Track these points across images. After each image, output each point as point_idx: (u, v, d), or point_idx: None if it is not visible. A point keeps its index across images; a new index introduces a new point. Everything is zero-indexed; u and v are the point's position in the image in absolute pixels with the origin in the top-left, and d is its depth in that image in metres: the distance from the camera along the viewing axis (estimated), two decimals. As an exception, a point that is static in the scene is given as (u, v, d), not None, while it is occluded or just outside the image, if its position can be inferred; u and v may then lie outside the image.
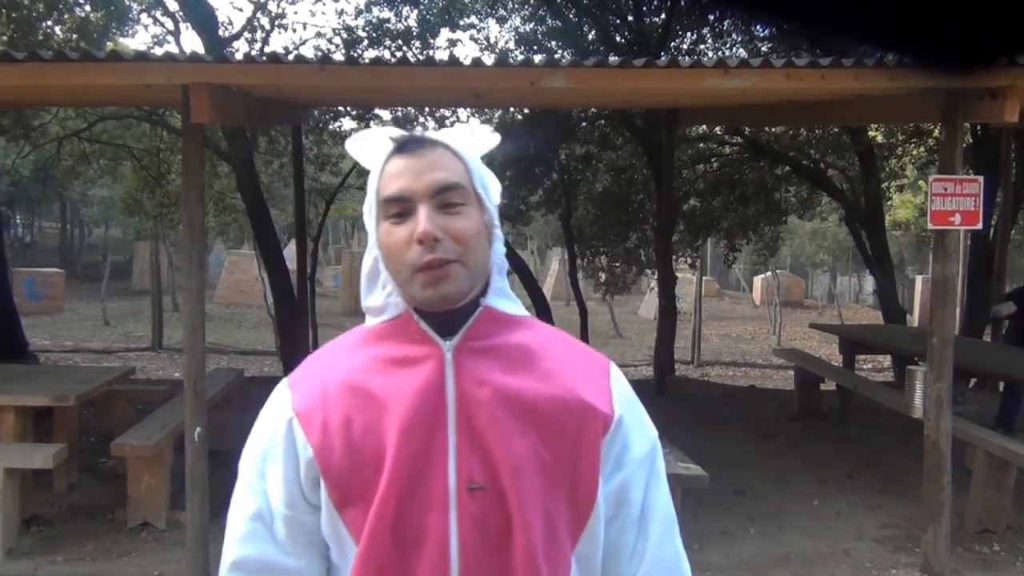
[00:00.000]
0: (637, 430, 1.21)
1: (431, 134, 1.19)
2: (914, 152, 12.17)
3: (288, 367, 10.05)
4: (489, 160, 1.25)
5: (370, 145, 1.21)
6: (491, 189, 1.20)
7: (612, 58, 4.64)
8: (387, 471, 1.10)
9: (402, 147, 1.16)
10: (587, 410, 1.16)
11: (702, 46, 10.60)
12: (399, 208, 1.14)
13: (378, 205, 1.16)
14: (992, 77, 4.08)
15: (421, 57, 9.04)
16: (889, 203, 15.97)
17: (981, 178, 4.68)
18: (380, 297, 1.18)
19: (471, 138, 1.21)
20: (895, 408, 5.75)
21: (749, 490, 5.90)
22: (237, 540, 1.18)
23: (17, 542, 4.72)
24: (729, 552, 4.79)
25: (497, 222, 1.20)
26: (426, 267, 1.10)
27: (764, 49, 10.00)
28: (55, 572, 4.46)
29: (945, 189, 4.54)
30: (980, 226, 4.98)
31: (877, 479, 6.19)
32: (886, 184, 11.97)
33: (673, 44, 10.09)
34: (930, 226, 4.64)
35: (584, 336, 11.18)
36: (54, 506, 5.36)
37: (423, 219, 1.11)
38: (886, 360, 12.17)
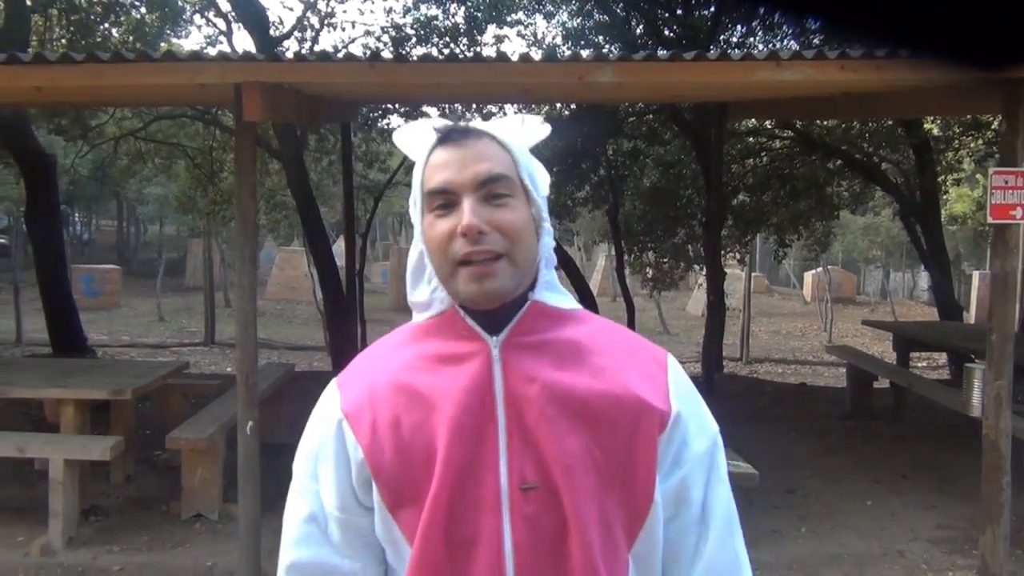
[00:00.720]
0: (696, 426, 1.18)
1: (476, 124, 1.17)
2: (971, 145, 11.85)
3: (337, 362, 10.17)
4: (536, 153, 1.23)
5: (414, 141, 1.18)
6: (539, 180, 1.17)
7: (661, 52, 4.60)
8: (437, 472, 1.08)
9: (446, 137, 1.14)
10: (642, 407, 1.12)
11: (752, 39, 10.45)
12: (443, 200, 1.11)
13: (422, 197, 1.14)
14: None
15: (469, 54, 9.06)
16: (945, 197, 15.60)
17: (1044, 170, 4.54)
18: (426, 292, 1.15)
19: (520, 129, 1.18)
20: (952, 407, 5.62)
21: (800, 489, 5.82)
22: (292, 543, 1.18)
23: (77, 531, 4.85)
24: (780, 551, 4.72)
25: (546, 214, 1.17)
26: (468, 259, 1.08)
27: (816, 42, 9.83)
28: (112, 561, 4.57)
29: (1006, 182, 4.41)
30: (1042, 220, 4.83)
31: (933, 479, 6.05)
32: (942, 178, 11.68)
33: (723, 37, 9.96)
34: (990, 220, 4.52)
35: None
36: (111, 497, 5.49)
37: (467, 211, 1.08)
38: (942, 358, 11.90)
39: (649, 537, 1.13)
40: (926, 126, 10.48)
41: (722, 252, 10.75)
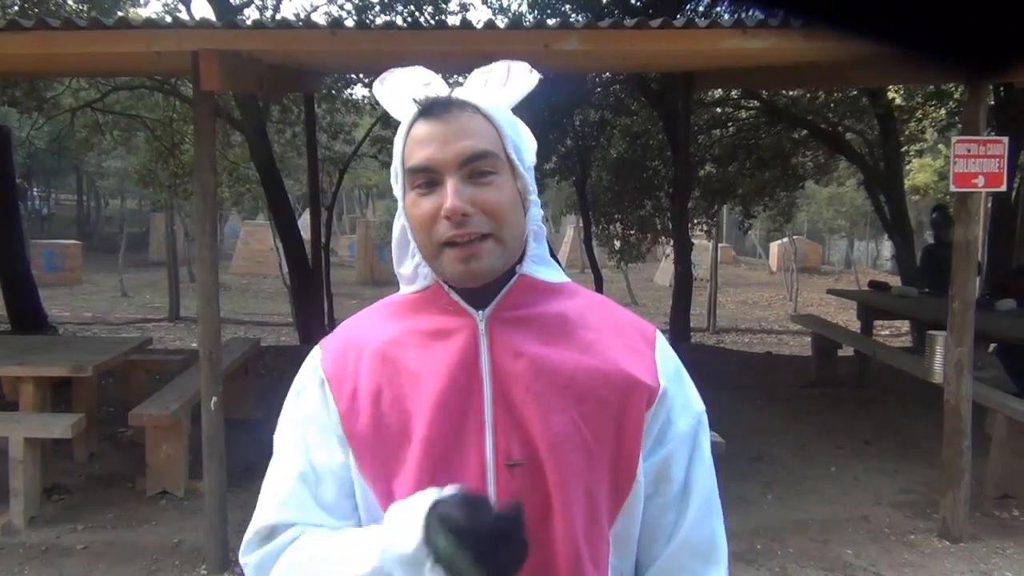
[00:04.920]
0: (681, 404, 1.16)
1: (460, 93, 1.10)
2: (934, 115, 11.97)
3: (304, 336, 10.09)
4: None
5: (396, 97, 1.13)
6: (525, 151, 1.12)
7: (627, 20, 4.55)
8: (420, 448, 1.05)
9: (427, 111, 1.08)
10: (630, 383, 1.10)
11: (718, 8, 10.41)
12: (425, 178, 1.06)
13: (404, 174, 1.09)
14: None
15: (433, 21, 8.94)
16: (908, 168, 15.77)
17: (1005, 139, 4.59)
18: (410, 266, 1.12)
19: (506, 85, 1.12)
20: (914, 373, 5.70)
21: (766, 456, 5.89)
22: (278, 503, 1.11)
23: (39, 510, 4.78)
24: (746, 518, 4.78)
25: (533, 187, 1.12)
26: (454, 242, 1.04)
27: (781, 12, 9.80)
28: (77, 540, 4.51)
29: (968, 151, 4.45)
30: (1004, 188, 4.90)
31: (895, 445, 6.15)
32: (905, 148, 11.80)
33: (689, 7, 9.92)
34: (952, 188, 4.56)
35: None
36: (75, 475, 5.41)
37: (451, 194, 1.03)
38: (904, 326, 12.08)
39: (629, 515, 1.12)
40: (890, 95, 10.55)
41: (689, 223, 10.79)
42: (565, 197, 13.75)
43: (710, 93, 11.04)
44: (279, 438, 1.16)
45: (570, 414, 1.07)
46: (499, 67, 1.14)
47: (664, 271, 20.05)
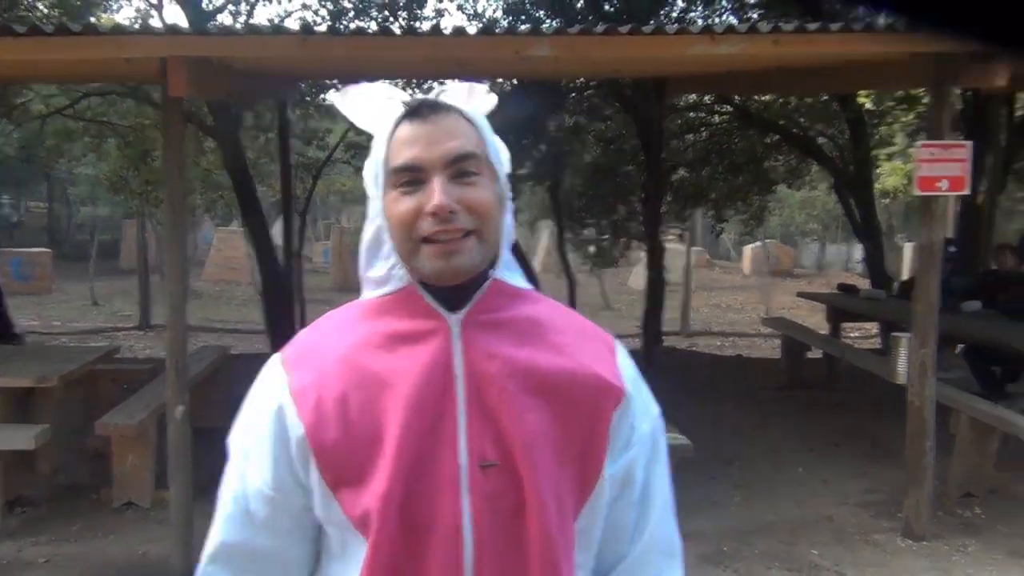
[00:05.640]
0: (642, 409, 1.19)
1: (445, 98, 1.13)
2: (903, 119, 12.12)
3: (275, 344, 9.98)
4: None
5: (371, 105, 1.14)
6: (503, 157, 1.16)
7: (597, 26, 4.59)
8: (394, 452, 1.05)
9: (414, 112, 1.10)
10: (600, 383, 1.13)
11: (692, 14, 10.49)
12: (410, 177, 1.08)
13: (386, 174, 1.10)
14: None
15: (405, 27, 8.92)
16: (879, 171, 15.93)
17: (969, 143, 4.65)
18: (383, 268, 1.12)
19: (469, 98, 1.15)
20: (881, 375, 5.77)
21: (737, 460, 5.93)
22: (218, 526, 1.18)
23: (1, 523, 4.71)
24: (715, 520, 4.81)
25: (509, 191, 1.15)
26: (435, 239, 1.05)
27: (754, 16, 9.90)
28: (40, 553, 4.45)
29: (932, 155, 4.51)
30: (968, 192, 4.96)
31: (863, 446, 6.22)
32: (875, 152, 11.93)
33: (663, 12, 9.99)
34: (916, 192, 4.62)
35: (573, 308, 11.20)
36: (39, 487, 5.32)
37: (438, 191, 1.05)
38: (874, 328, 12.21)
39: (592, 512, 1.13)
40: (860, 100, 10.67)
41: (662, 228, 10.84)
42: (537, 201, 13.76)
43: (683, 98, 11.12)
44: (230, 451, 1.18)
45: (542, 413, 1.09)
46: (460, 86, 1.17)
47: (639, 275, 20.10)
